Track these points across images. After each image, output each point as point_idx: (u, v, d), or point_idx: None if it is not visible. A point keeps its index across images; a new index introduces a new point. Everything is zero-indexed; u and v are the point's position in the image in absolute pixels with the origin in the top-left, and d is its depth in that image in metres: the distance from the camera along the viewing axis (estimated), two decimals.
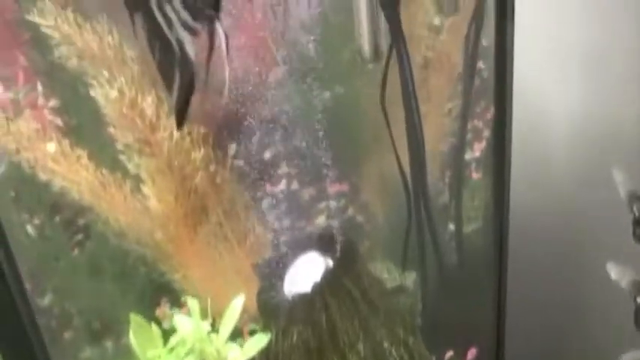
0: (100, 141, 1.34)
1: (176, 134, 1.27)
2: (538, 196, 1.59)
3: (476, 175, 1.59)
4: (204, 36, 0.92)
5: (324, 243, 1.41)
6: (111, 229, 1.38)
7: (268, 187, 1.45)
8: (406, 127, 1.34)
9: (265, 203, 1.44)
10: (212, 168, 1.34)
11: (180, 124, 1.01)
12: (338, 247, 1.40)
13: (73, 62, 1.27)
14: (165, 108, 1.26)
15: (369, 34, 1.28)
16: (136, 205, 1.36)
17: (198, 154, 1.31)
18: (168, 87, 0.96)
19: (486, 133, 1.58)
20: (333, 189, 1.51)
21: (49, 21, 1.24)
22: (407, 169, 1.41)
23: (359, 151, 1.53)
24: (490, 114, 1.55)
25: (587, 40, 1.53)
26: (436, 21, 1.45)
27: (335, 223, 1.48)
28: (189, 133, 1.30)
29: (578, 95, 1.57)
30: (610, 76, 1.50)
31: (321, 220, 1.50)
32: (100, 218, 1.37)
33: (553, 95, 1.58)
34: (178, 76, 0.95)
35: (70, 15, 1.25)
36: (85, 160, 1.33)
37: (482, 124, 1.59)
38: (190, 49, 0.93)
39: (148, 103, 1.24)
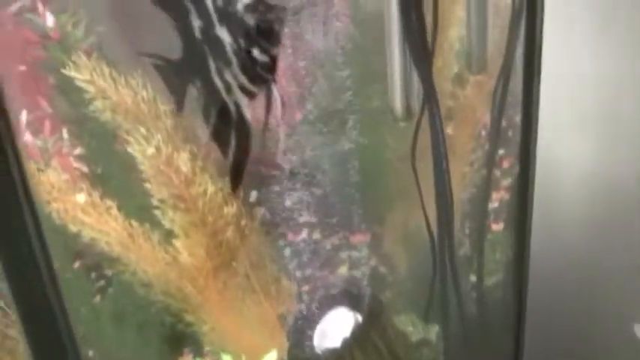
0: (130, 192, 1.35)
1: (210, 189, 1.27)
2: (557, 249, 1.61)
3: (495, 227, 1.60)
4: (260, 99, 0.94)
5: (353, 297, 1.42)
6: (138, 280, 1.38)
7: (294, 237, 1.46)
8: (435, 185, 1.35)
9: (291, 253, 1.45)
10: (242, 222, 1.34)
11: (236, 186, 1.03)
12: (367, 301, 1.41)
13: (106, 115, 1.28)
14: (199, 164, 1.27)
15: (402, 92, 1.29)
16: (164, 257, 1.36)
17: (230, 209, 1.31)
18: (224, 151, 0.97)
19: (504, 182, 1.60)
20: (355, 239, 1.52)
21: (84, 75, 1.24)
22: (433, 222, 1.42)
23: (383, 201, 1.54)
24: (508, 163, 1.58)
25: (606, 92, 1.55)
26: (462, 76, 1.46)
27: (359, 273, 1.50)
28: (222, 189, 1.30)
29: (596, 147, 1.59)
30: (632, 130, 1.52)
31: (344, 270, 1.51)
32: (128, 269, 1.37)
33: (571, 147, 1.59)
34: (235, 140, 0.96)
35: (106, 69, 1.25)
36: (114, 211, 1.34)
37: (499, 173, 1.61)
38: (247, 112, 0.94)
39: (184, 160, 1.24)
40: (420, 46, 1.25)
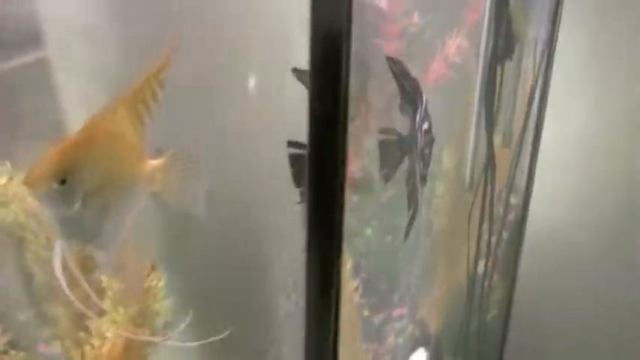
0: None
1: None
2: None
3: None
4: None
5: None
6: None
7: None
8: (478, 243, 1.61)
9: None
10: (356, 298, 1.47)
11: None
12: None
13: None
14: None
15: (471, 165, 1.54)
16: None
17: (353, 284, 1.43)
18: None
19: None
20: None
21: None
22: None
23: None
24: None
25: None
26: None
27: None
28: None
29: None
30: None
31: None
32: None
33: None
34: (412, 211, 1.19)
35: None
36: None
37: None
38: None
39: None
40: (490, 124, 1.52)
